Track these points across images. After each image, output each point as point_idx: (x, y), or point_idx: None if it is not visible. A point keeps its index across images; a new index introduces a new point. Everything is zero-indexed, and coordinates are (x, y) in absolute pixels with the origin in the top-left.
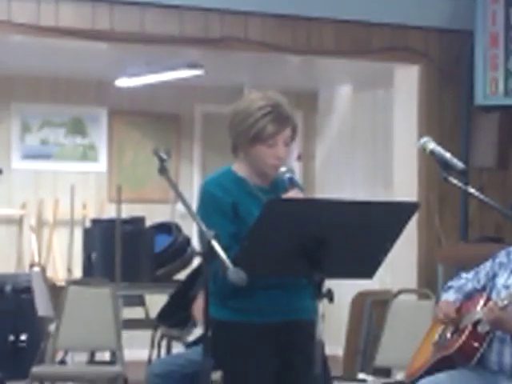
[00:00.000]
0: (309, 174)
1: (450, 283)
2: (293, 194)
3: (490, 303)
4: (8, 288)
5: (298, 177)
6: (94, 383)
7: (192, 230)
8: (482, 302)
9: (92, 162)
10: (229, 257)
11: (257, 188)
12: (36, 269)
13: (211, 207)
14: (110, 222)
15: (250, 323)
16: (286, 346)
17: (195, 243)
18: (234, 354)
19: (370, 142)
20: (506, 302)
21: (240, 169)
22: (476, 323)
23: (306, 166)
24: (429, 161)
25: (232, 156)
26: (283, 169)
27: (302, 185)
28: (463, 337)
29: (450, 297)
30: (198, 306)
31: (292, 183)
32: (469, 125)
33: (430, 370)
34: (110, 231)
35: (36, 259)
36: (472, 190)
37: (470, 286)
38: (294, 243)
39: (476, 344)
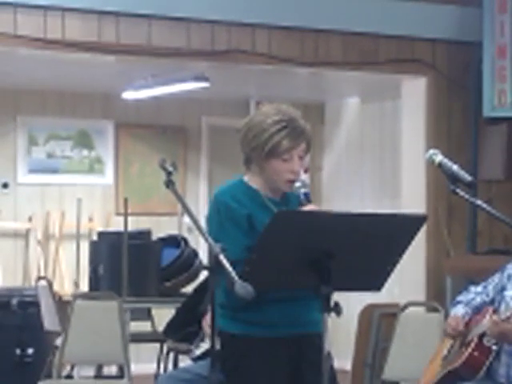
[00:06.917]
0: (316, 185)
1: (458, 298)
2: (309, 209)
3: (494, 316)
4: (14, 302)
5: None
6: None
7: (199, 243)
8: (488, 315)
9: (98, 174)
10: (241, 270)
11: (269, 200)
12: (42, 282)
13: (226, 218)
14: (117, 235)
15: (261, 336)
16: (296, 360)
17: (203, 256)
18: (243, 368)
19: (377, 154)
20: (508, 314)
21: (252, 180)
22: (482, 336)
23: (314, 178)
24: (437, 172)
25: (240, 168)
26: (298, 184)
27: (311, 196)
28: (469, 350)
29: (458, 311)
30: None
31: (307, 198)
32: (477, 136)
33: None
34: (116, 244)
35: (42, 273)
36: (480, 203)
37: (478, 300)
38: (302, 256)
39: (482, 357)
